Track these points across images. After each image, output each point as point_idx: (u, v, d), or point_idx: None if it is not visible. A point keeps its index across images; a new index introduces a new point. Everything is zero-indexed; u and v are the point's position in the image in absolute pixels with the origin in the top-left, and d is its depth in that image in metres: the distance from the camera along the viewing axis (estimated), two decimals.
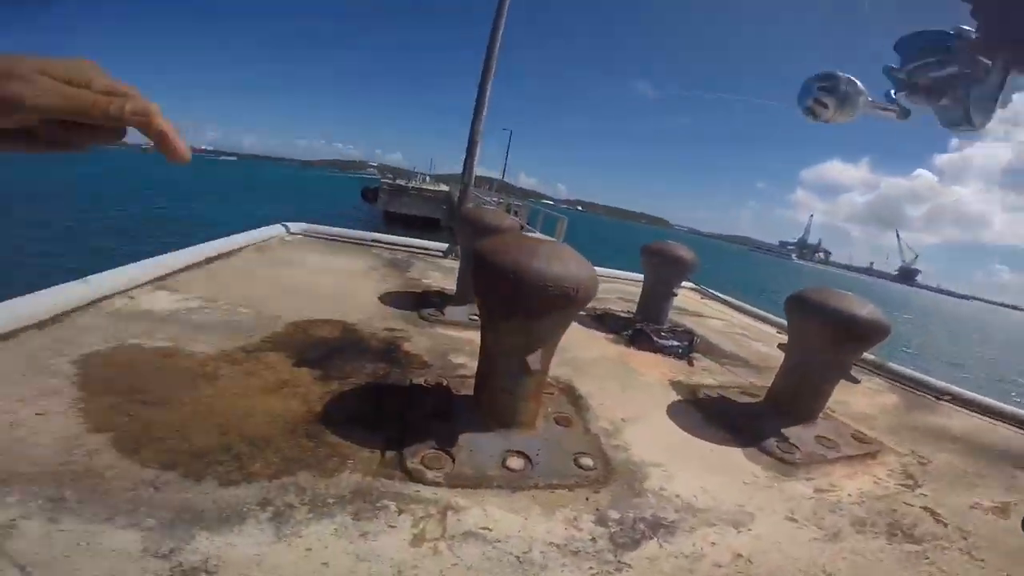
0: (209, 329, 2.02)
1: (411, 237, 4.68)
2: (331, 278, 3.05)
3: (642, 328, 3.00)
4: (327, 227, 4.23)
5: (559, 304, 1.43)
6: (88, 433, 1.25)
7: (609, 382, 2.28)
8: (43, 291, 1.82)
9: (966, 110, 0.73)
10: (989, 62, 0.67)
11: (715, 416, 2.08)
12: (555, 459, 1.53)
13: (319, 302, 2.59)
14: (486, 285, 1.49)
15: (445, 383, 1.93)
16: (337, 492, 1.20)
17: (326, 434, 1.46)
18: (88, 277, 2.04)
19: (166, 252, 2.62)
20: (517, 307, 1.45)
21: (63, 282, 1.94)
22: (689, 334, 3.06)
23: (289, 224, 4.00)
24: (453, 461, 1.41)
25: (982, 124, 0.73)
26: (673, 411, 2.08)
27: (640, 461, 1.64)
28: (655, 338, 2.90)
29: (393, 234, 4.81)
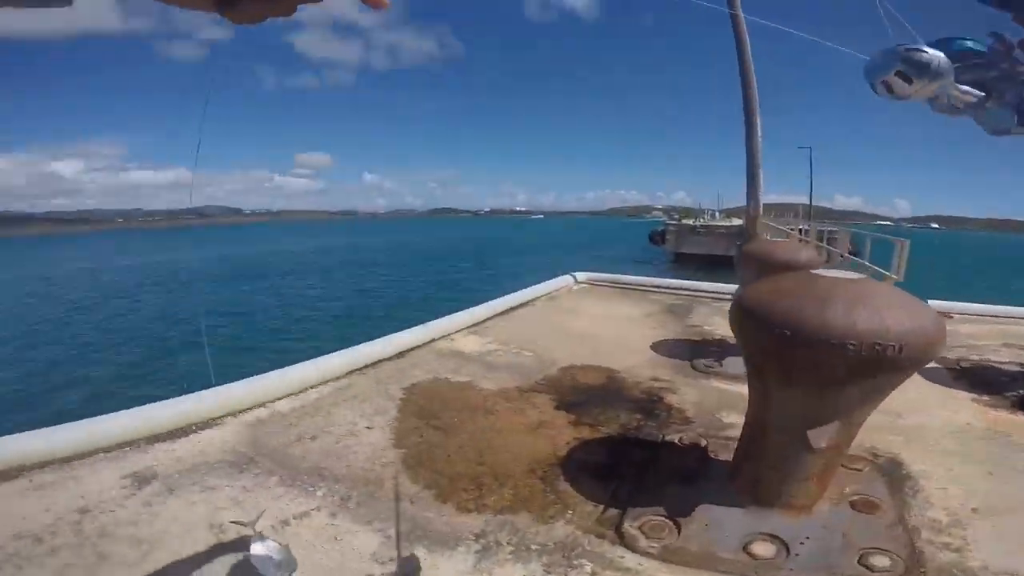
0: (498, 368, 2.39)
1: (696, 280, 4.44)
2: (607, 325, 3.16)
3: None
4: (610, 275, 4.43)
5: (865, 368, 1.07)
6: (391, 448, 1.66)
7: (966, 462, 1.60)
8: (396, 334, 2.54)
9: (1016, 111, 0.66)
10: None
11: None
12: (829, 552, 1.15)
13: (592, 348, 2.71)
14: (750, 341, 1.26)
15: (704, 444, 1.71)
16: (543, 540, 1.22)
17: (559, 480, 1.50)
18: (427, 323, 2.74)
19: (483, 303, 3.28)
20: (793, 371, 1.16)
21: (409, 327, 2.68)
22: None
23: (577, 274, 4.37)
24: (679, 532, 1.23)
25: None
26: None
27: (980, 568, 1.07)
28: None
29: (684, 276, 4.67)
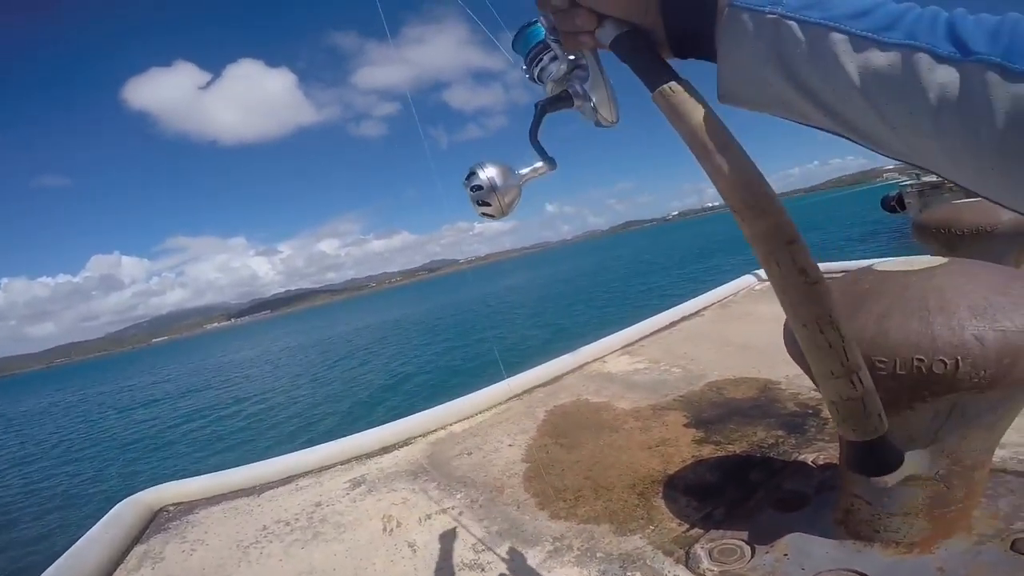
0: (639, 388, 2.47)
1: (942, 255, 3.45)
2: (780, 329, 2.82)
3: None
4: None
5: (915, 390, 0.92)
6: (520, 461, 1.96)
7: None
8: (546, 363, 2.84)
9: (591, 106, 0.56)
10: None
11: None
12: None
13: (753, 358, 2.52)
14: (797, 357, 1.17)
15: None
16: (610, 551, 1.34)
17: (656, 496, 1.57)
18: (579, 349, 2.96)
19: (641, 320, 3.32)
20: None
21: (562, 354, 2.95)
22: None
23: (759, 272, 3.90)
24: (751, 559, 1.20)
25: (611, 114, 0.56)
26: None
27: None
28: None
29: (930, 250, 3.69)
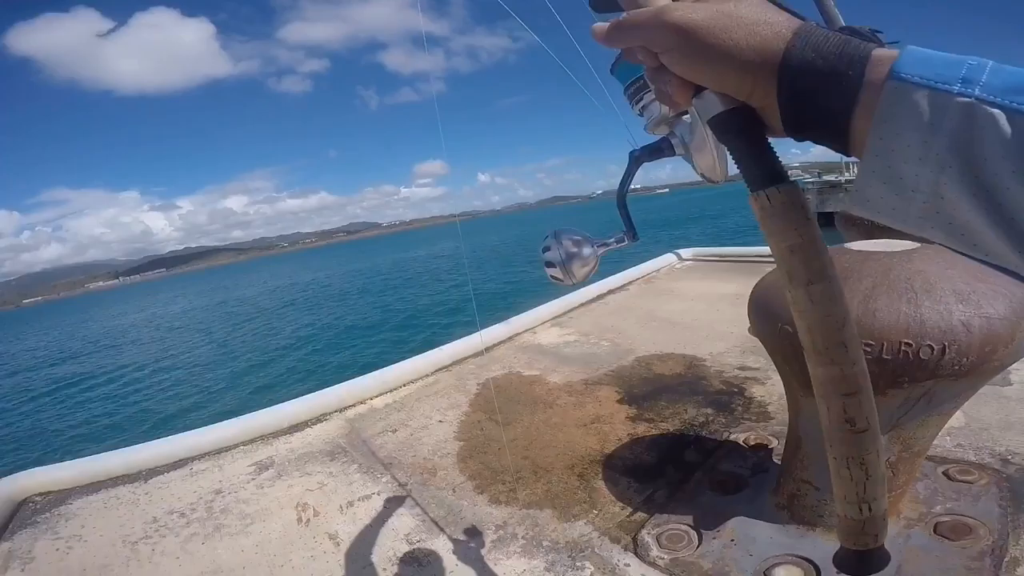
0: (570, 361, 2.43)
1: (840, 243, 3.80)
2: (702, 306, 2.94)
3: None
4: (719, 248, 4.03)
5: (894, 375, 0.89)
6: (452, 440, 1.84)
7: None
8: (478, 332, 2.73)
9: (690, 159, 0.50)
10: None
11: None
12: None
13: (677, 334, 2.58)
14: (763, 340, 1.14)
15: (773, 445, 1.58)
16: (557, 537, 1.28)
17: (596, 478, 1.53)
18: (509, 319, 2.88)
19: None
20: (801, 378, 1.04)
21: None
22: None
23: (682, 251, 4.08)
24: (698, 545, 1.19)
25: (718, 175, 0.50)
26: None
27: None
28: None
29: (830, 240, 4.03)
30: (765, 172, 0.36)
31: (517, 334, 2.81)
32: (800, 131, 0.35)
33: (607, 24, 0.39)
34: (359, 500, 1.55)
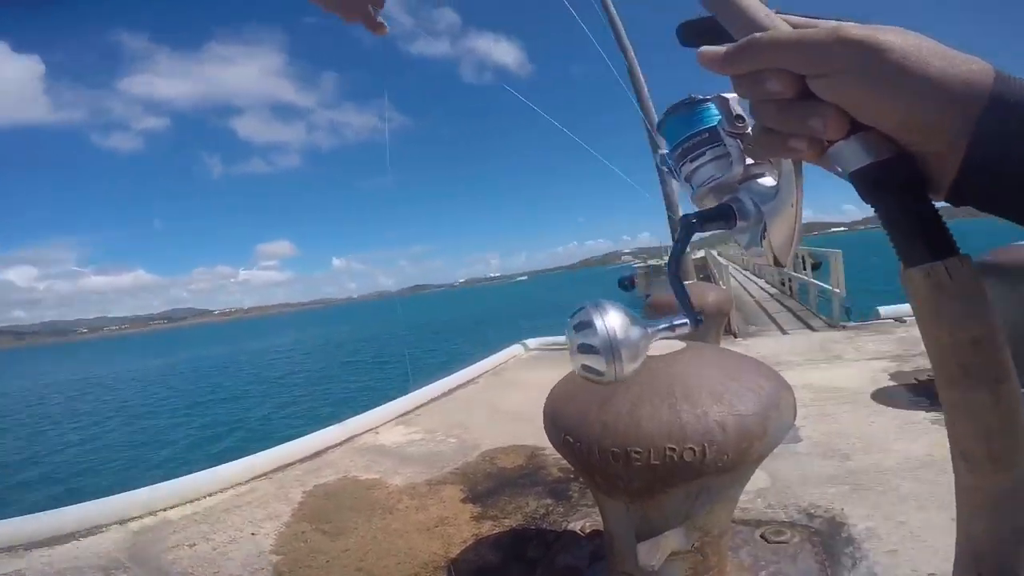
0: (414, 461, 2.30)
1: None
2: (545, 396, 3.09)
3: None
4: (560, 337, 4.40)
5: (668, 477, 0.93)
6: (268, 554, 1.57)
7: (924, 507, 1.45)
8: (312, 434, 2.47)
9: (758, 231, 0.40)
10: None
11: None
12: None
13: (522, 425, 2.64)
14: (555, 445, 1.12)
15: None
16: None
17: None
18: (346, 421, 2.67)
19: (420, 388, 3.22)
20: (596, 481, 1.03)
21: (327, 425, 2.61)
22: None
23: (528, 341, 4.34)
24: None
25: (787, 253, 0.40)
26: None
27: None
28: None
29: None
30: (941, 238, 0.28)
31: (356, 435, 2.60)
32: (974, 196, 0.28)
33: (725, 47, 0.32)
34: None
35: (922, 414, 2.02)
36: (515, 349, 4.21)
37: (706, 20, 0.36)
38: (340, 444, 2.50)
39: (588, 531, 1.64)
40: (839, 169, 0.31)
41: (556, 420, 1.04)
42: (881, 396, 2.28)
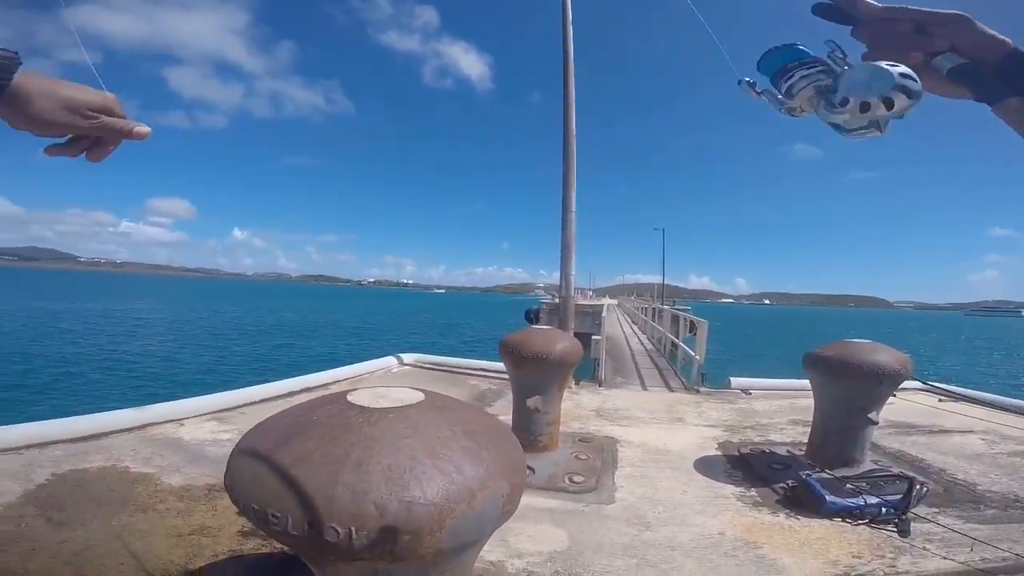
0: (207, 462, 2.06)
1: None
2: None
3: (808, 479, 1.96)
4: (439, 357, 4.29)
5: (306, 551, 0.71)
6: None
7: None
8: (92, 415, 2.15)
9: (861, 108, 0.65)
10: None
11: None
12: None
13: None
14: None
15: None
16: None
17: None
18: (148, 406, 2.36)
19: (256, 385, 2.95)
20: None
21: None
22: (903, 480, 1.90)
23: (404, 355, 4.17)
24: None
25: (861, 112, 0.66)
26: None
27: None
28: (828, 495, 1.84)
29: None
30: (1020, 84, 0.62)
31: (154, 424, 2.30)
32: (1005, 80, 0.64)
33: (883, 5, 0.68)
34: None
35: (730, 488, 2.08)
36: (388, 360, 4.01)
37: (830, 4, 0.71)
38: (129, 430, 2.19)
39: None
40: (941, 68, 0.66)
41: (230, 460, 0.83)
42: (702, 465, 2.33)
